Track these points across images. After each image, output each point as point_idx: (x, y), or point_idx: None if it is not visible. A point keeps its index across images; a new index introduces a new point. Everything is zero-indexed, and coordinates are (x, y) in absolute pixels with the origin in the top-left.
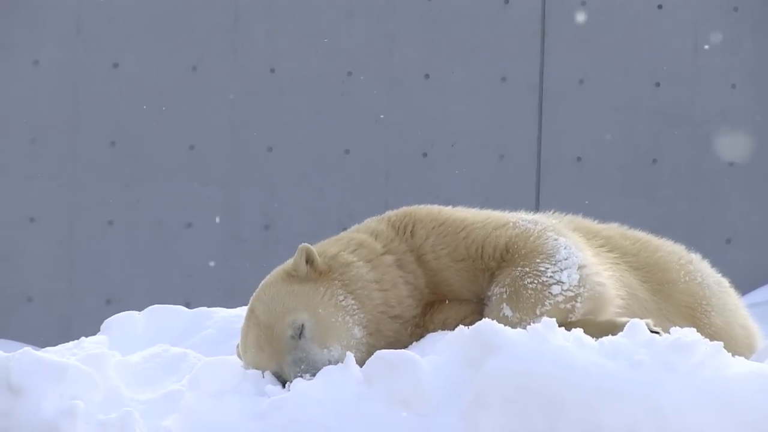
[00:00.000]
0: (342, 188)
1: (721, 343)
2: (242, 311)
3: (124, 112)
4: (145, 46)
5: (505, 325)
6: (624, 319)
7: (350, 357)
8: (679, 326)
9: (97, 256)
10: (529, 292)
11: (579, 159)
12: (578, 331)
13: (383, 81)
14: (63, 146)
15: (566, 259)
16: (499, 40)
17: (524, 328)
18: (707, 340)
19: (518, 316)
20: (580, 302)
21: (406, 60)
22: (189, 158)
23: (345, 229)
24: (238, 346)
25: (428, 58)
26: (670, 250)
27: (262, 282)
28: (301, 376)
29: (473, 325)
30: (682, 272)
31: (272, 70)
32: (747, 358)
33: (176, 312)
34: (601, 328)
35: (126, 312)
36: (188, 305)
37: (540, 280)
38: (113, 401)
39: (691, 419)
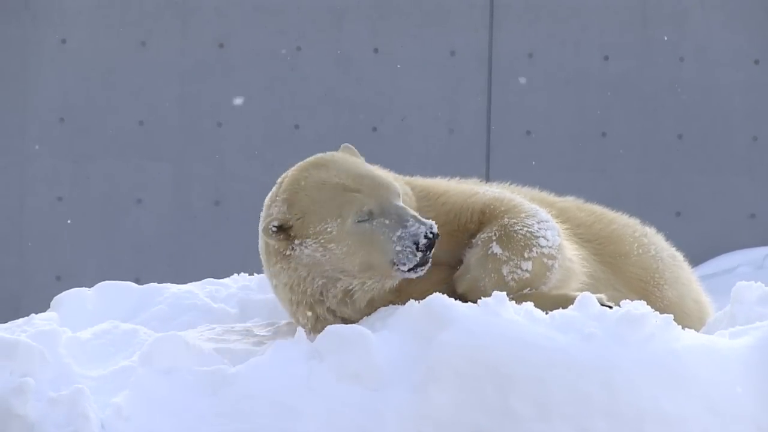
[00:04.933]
0: (292, 163)
1: (671, 316)
2: (192, 287)
3: (73, 87)
4: (93, 21)
5: (490, 264)
6: (575, 293)
7: (300, 332)
8: (630, 299)
9: (46, 232)
10: (519, 236)
11: (528, 132)
12: (529, 305)
13: (332, 56)
14: (12, 122)
15: (548, 221)
16: (448, 14)
17: (511, 268)
18: (657, 313)
19: (507, 254)
20: (558, 265)
21: (355, 34)
22: (138, 134)
23: None
24: (272, 224)
25: (377, 33)
26: (625, 223)
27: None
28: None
29: (424, 300)
30: (636, 245)
31: (221, 45)
32: (698, 330)
33: (126, 288)
34: (552, 302)
35: (76, 288)
36: (138, 281)
37: (529, 230)
38: (64, 378)
39: (641, 391)
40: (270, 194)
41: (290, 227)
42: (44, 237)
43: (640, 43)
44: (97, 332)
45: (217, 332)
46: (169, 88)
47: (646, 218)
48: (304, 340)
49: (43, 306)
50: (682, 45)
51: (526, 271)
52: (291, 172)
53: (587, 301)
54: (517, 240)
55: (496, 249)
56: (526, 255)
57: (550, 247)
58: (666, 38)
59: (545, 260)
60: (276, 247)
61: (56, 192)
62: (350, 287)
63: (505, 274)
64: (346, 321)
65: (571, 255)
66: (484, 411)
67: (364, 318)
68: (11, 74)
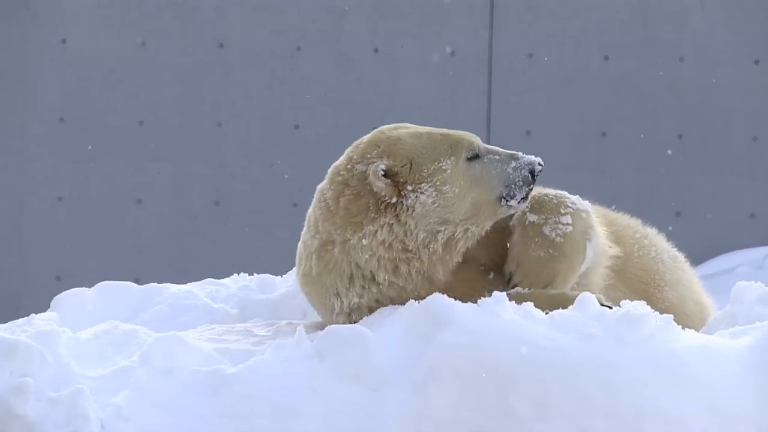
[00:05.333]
0: (292, 163)
1: (671, 316)
2: (192, 287)
3: (73, 88)
4: (93, 21)
5: (530, 231)
6: (575, 293)
7: (301, 330)
8: (630, 300)
9: (46, 232)
10: (551, 196)
11: (528, 132)
12: (529, 305)
13: (332, 55)
14: (12, 122)
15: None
16: (448, 14)
17: (551, 226)
18: (657, 313)
19: (543, 216)
20: (593, 225)
21: (355, 34)
22: (138, 134)
23: (296, 205)
24: (379, 167)
25: (377, 33)
26: (626, 224)
27: None
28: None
29: (424, 300)
30: (636, 247)
31: (221, 45)
32: (698, 330)
33: (126, 288)
34: (552, 302)
35: (76, 288)
36: (138, 281)
37: (559, 193)
38: (64, 378)
39: (641, 391)
40: (343, 161)
41: (395, 174)
42: (44, 237)
43: (640, 43)
44: (97, 332)
45: (217, 332)
46: (169, 88)
47: (646, 218)
48: (305, 340)
49: (43, 306)
50: (682, 45)
51: (567, 224)
52: (367, 138)
53: (587, 301)
54: (548, 201)
55: (532, 217)
56: (562, 211)
57: (584, 210)
58: (666, 38)
59: (583, 215)
60: (383, 194)
61: (56, 192)
62: (453, 236)
63: (547, 233)
64: (403, 298)
65: (600, 232)
66: (484, 411)
67: (364, 318)
68: (11, 74)
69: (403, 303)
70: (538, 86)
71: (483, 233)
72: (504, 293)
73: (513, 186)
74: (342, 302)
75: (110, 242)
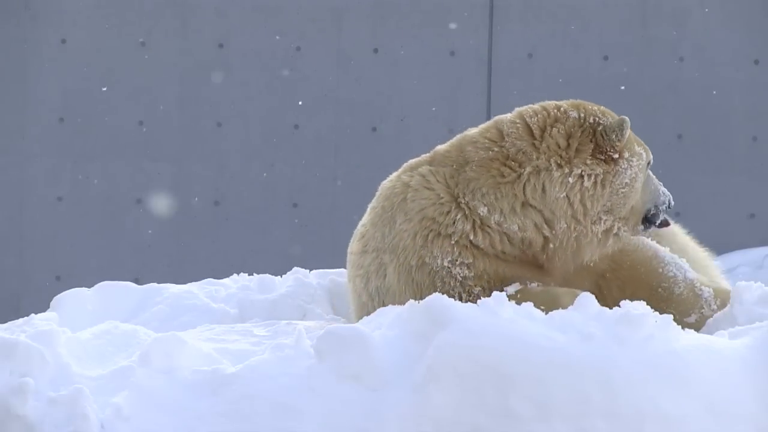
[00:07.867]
0: (292, 163)
1: (671, 316)
2: (192, 287)
3: (72, 88)
4: (93, 21)
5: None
6: (576, 291)
7: (301, 330)
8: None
9: (46, 232)
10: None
11: None
12: (528, 305)
13: (332, 56)
14: (12, 122)
15: None
16: (448, 14)
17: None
18: (657, 312)
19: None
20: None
21: (355, 34)
22: (138, 134)
23: (296, 205)
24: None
25: (377, 33)
26: None
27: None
28: None
29: (424, 300)
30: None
31: (221, 45)
32: (698, 330)
33: (126, 288)
34: (549, 298)
35: (76, 288)
36: (138, 281)
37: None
38: (63, 378)
39: (641, 392)
40: (549, 107)
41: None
42: (44, 237)
43: (640, 43)
44: (97, 332)
45: (217, 332)
46: (169, 88)
47: None
48: (304, 340)
49: (43, 306)
50: (681, 45)
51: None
52: (553, 103)
53: (586, 300)
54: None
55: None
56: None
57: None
58: (666, 38)
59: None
60: (613, 146)
61: (56, 192)
62: (610, 229)
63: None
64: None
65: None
66: (484, 411)
67: (364, 318)
68: (11, 74)
69: (524, 271)
70: (537, 86)
71: (624, 242)
72: (504, 293)
73: (659, 208)
74: (491, 216)
75: (110, 242)
